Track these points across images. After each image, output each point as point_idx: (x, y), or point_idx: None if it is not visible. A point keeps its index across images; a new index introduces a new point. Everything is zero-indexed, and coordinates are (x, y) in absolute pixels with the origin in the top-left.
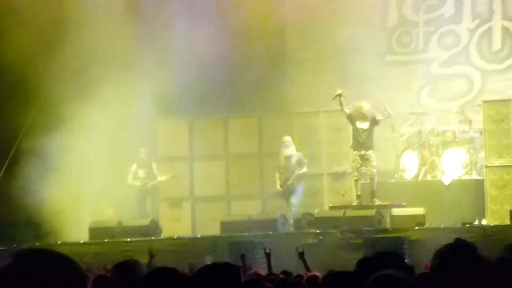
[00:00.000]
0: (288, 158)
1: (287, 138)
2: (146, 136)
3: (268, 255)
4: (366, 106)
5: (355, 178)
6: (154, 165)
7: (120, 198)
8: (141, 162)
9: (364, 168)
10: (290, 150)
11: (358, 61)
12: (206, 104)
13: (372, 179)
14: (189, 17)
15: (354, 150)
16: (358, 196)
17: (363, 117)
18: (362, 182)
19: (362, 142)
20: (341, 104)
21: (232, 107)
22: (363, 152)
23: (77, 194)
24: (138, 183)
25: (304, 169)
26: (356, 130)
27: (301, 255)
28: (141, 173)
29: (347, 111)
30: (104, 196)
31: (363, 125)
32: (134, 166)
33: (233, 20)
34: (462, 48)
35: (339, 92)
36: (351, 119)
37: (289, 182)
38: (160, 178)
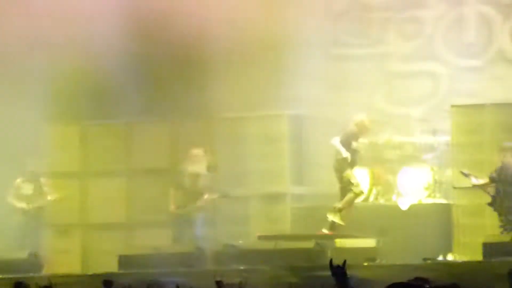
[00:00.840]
0: (195, 176)
1: (197, 152)
2: (30, 145)
3: None
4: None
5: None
6: (43, 180)
7: None
8: (28, 176)
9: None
10: (199, 167)
11: (297, 55)
12: (104, 106)
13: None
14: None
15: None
16: None
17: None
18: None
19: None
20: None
21: (137, 111)
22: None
23: None
24: (22, 204)
25: (215, 195)
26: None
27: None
28: (27, 189)
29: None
30: None
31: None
32: (18, 181)
33: (139, 3)
34: (427, 39)
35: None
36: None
37: (189, 208)
38: (51, 197)
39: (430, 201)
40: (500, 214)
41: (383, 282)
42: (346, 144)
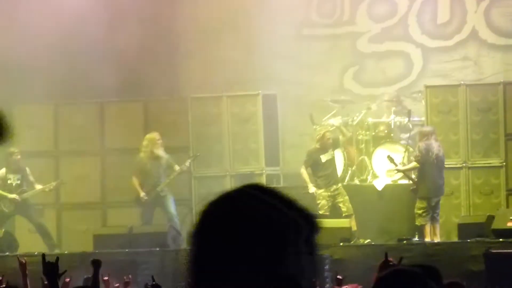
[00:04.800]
0: (157, 159)
1: (156, 135)
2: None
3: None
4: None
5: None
6: (28, 169)
7: None
8: (13, 165)
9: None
10: (160, 150)
11: (268, 34)
12: (76, 85)
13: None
14: None
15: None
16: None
17: (328, 146)
18: None
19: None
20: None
21: (110, 90)
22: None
23: None
24: (12, 196)
25: (175, 172)
26: (320, 165)
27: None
28: (14, 179)
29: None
30: None
31: (327, 155)
32: (3, 171)
33: None
34: (399, 19)
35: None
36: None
37: (159, 188)
38: (39, 186)
39: (405, 182)
40: (422, 199)
41: (358, 262)
42: (316, 162)
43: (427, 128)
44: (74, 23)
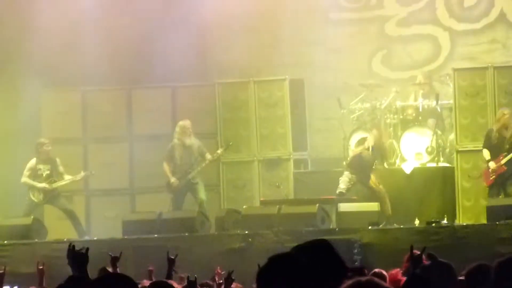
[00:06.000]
0: (188, 148)
1: (187, 123)
2: (29, 114)
3: (172, 261)
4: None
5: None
6: (58, 160)
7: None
8: (43, 156)
9: None
10: (192, 138)
11: (296, 19)
12: (105, 72)
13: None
14: None
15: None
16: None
17: None
18: None
19: None
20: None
21: (138, 76)
22: None
23: None
24: (42, 185)
25: (207, 160)
26: None
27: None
28: (44, 170)
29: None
30: None
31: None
32: (33, 161)
33: None
34: (426, 2)
35: None
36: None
37: (190, 176)
38: (68, 177)
39: (433, 165)
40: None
41: (387, 246)
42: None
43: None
44: (99, 6)
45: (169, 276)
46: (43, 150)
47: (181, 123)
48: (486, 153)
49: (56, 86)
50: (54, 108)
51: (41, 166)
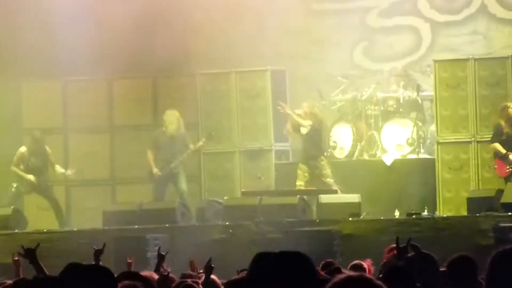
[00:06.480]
0: (173, 137)
1: (173, 113)
2: (7, 103)
3: (162, 257)
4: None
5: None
6: (48, 149)
7: None
8: (35, 147)
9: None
10: (180, 129)
11: (277, 10)
12: (85, 62)
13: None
14: None
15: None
16: None
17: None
18: None
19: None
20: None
21: (118, 67)
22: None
23: None
24: (30, 177)
25: (189, 149)
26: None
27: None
28: (35, 161)
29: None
30: None
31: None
32: (23, 150)
33: None
34: None
35: None
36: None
37: (172, 165)
38: (60, 170)
39: (414, 156)
40: None
41: (368, 237)
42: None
43: None
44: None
45: (157, 270)
46: (35, 141)
47: (166, 112)
48: (499, 147)
49: (37, 77)
50: (35, 98)
51: (32, 157)
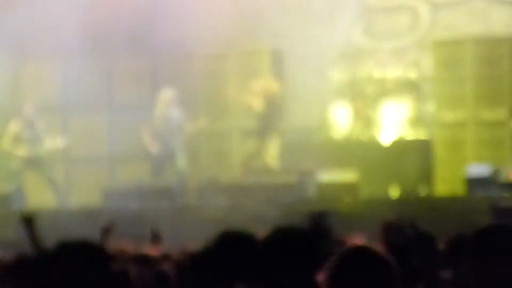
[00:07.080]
0: (170, 117)
1: (170, 93)
2: (7, 82)
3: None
4: None
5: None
6: (41, 126)
7: None
8: (27, 122)
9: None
10: (175, 108)
11: None
12: (85, 41)
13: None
14: None
15: None
16: None
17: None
18: None
19: None
20: None
21: (118, 45)
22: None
23: None
24: (21, 152)
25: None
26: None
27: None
28: (27, 135)
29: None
30: None
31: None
32: (13, 126)
33: None
34: None
35: None
36: None
37: (170, 145)
38: (51, 143)
39: (412, 136)
40: None
41: (364, 217)
42: None
43: None
44: None
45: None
46: (27, 116)
47: (163, 92)
48: None
49: (36, 55)
50: (34, 77)
51: (24, 132)
